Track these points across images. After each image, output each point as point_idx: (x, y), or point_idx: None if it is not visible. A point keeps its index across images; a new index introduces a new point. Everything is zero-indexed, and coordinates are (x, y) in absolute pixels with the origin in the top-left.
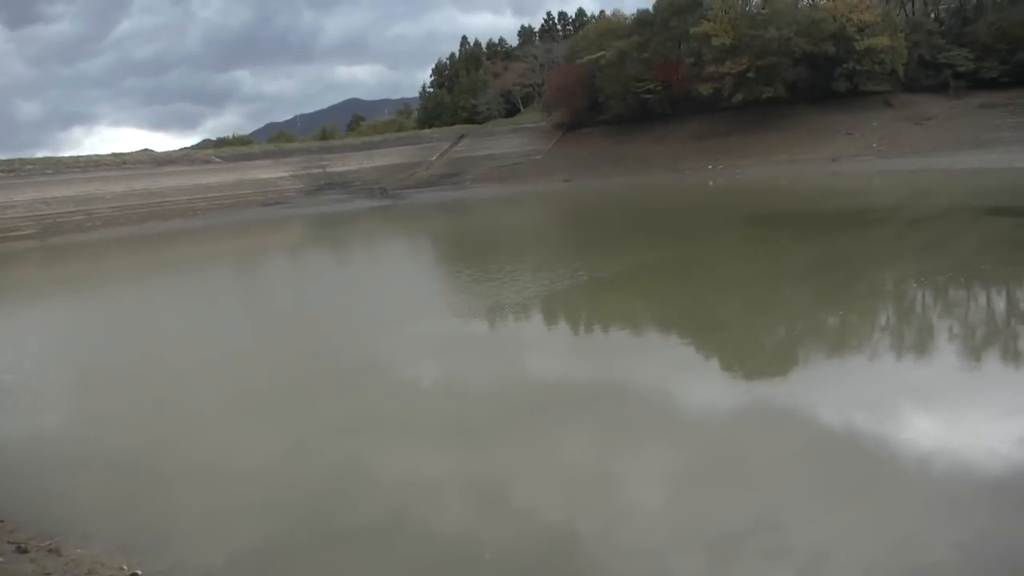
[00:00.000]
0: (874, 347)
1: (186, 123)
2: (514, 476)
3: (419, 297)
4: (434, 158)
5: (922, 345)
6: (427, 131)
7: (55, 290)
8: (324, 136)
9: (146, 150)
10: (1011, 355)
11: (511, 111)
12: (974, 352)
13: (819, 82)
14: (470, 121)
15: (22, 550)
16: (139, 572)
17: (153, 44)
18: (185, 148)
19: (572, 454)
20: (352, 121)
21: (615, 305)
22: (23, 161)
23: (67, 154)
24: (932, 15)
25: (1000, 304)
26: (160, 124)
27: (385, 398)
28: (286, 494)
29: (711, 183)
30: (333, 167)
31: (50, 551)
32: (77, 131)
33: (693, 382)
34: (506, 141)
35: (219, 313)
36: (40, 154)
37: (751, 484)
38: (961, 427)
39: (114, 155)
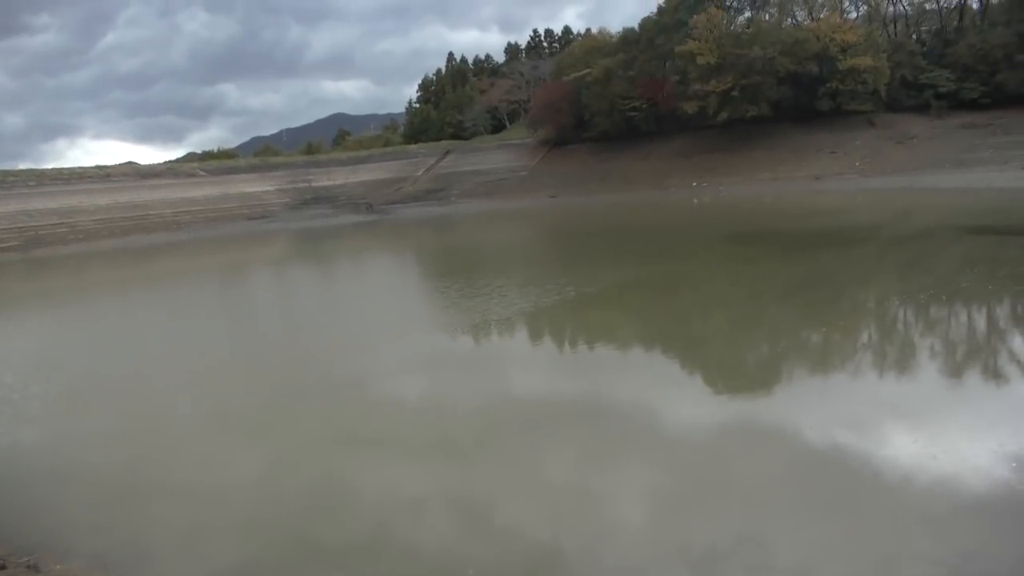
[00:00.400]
0: (857, 364)
1: (171, 136)
2: (498, 493)
3: (405, 313)
4: (420, 173)
5: (904, 362)
6: (413, 146)
7: (37, 304)
8: (310, 150)
9: (130, 163)
10: (992, 372)
11: (497, 127)
12: (956, 369)
13: (803, 101)
14: (456, 137)
15: (1, 566)
16: None
17: (138, 57)
18: (170, 161)
19: (557, 471)
20: (338, 136)
21: (601, 322)
22: (5, 173)
23: (50, 166)
24: (914, 36)
25: (981, 322)
26: (145, 137)
27: (370, 414)
28: (269, 510)
29: (696, 200)
30: (319, 181)
31: (29, 567)
32: (61, 143)
33: (678, 399)
34: (492, 157)
35: (203, 328)
36: (23, 166)
37: (735, 501)
38: (943, 444)
39: (98, 167)
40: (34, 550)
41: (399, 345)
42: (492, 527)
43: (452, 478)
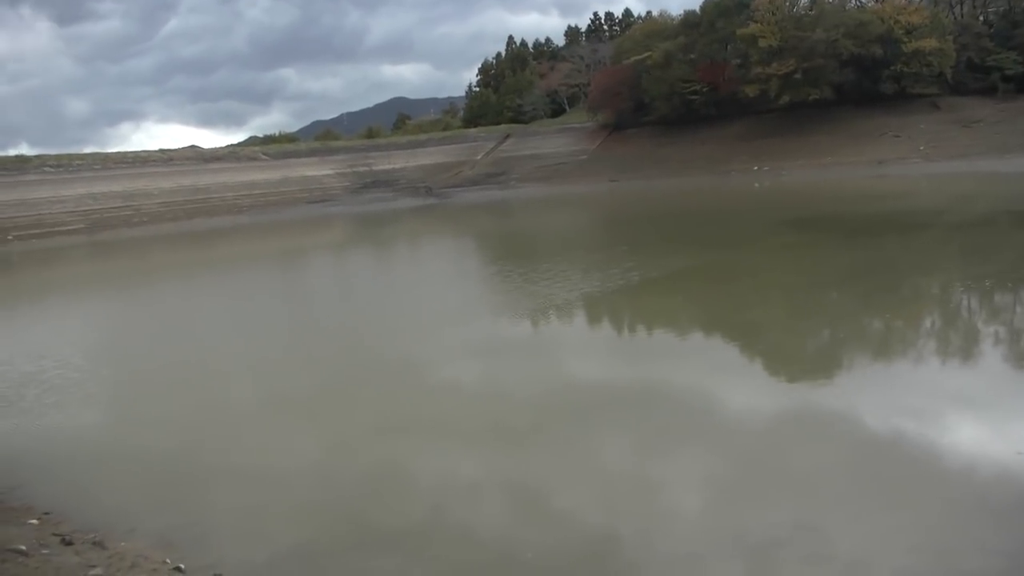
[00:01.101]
0: (919, 352)
1: (232, 121)
2: (555, 479)
3: (465, 298)
4: (479, 157)
5: (967, 351)
6: (472, 130)
7: (103, 287)
8: (370, 134)
9: (193, 147)
10: None
11: (556, 111)
12: (1020, 358)
13: (866, 84)
14: (515, 121)
15: (67, 542)
16: (182, 566)
17: (200, 43)
18: (231, 145)
19: (614, 457)
20: (398, 120)
21: (660, 308)
22: (71, 156)
23: (114, 150)
24: (981, 18)
25: None
26: (207, 121)
27: (427, 399)
28: (325, 494)
29: (756, 184)
30: (378, 165)
31: (95, 544)
32: (124, 127)
33: (736, 386)
34: (551, 141)
35: (263, 313)
36: (88, 150)
37: (792, 489)
38: (1007, 434)
39: (161, 151)
40: (99, 527)
41: (458, 330)
42: (548, 512)
43: (508, 463)
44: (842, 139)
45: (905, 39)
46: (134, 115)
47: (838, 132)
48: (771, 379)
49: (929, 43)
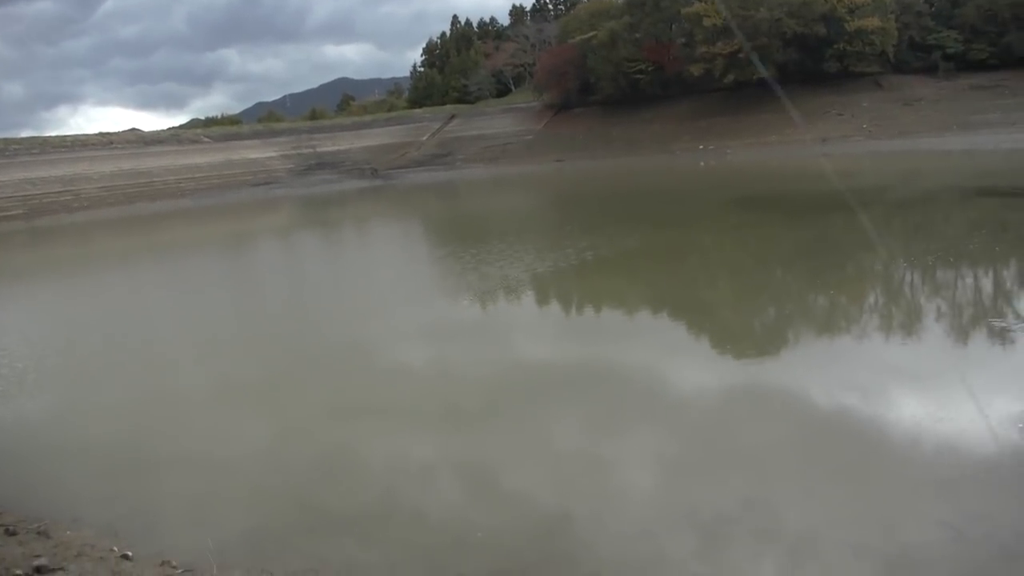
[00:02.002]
0: (863, 329)
1: (173, 103)
2: (506, 460)
3: (413, 281)
4: (425, 138)
5: (911, 326)
6: (418, 111)
7: (43, 275)
8: (314, 116)
9: (133, 130)
10: (1000, 335)
11: (502, 91)
12: (963, 332)
13: (809, 63)
14: (461, 101)
15: (10, 532)
16: (129, 554)
17: (138, 23)
18: (173, 128)
19: (565, 437)
20: (342, 101)
21: (607, 288)
22: (7, 141)
23: (52, 134)
24: None
25: (988, 284)
26: (147, 104)
27: (378, 383)
28: (277, 479)
29: (702, 164)
30: (323, 147)
31: (39, 534)
32: (62, 111)
33: (685, 365)
34: (497, 122)
35: (209, 299)
36: (25, 134)
37: (742, 466)
38: (950, 408)
39: (101, 135)
40: (43, 517)
41: (409, 313)
42: (500, 493)
43: (460, 445)
44: (787, 118)
45: (848, 18)
46: (71, 98)
47: (782, 111)
48: (720, 357)
49: (872, 22)
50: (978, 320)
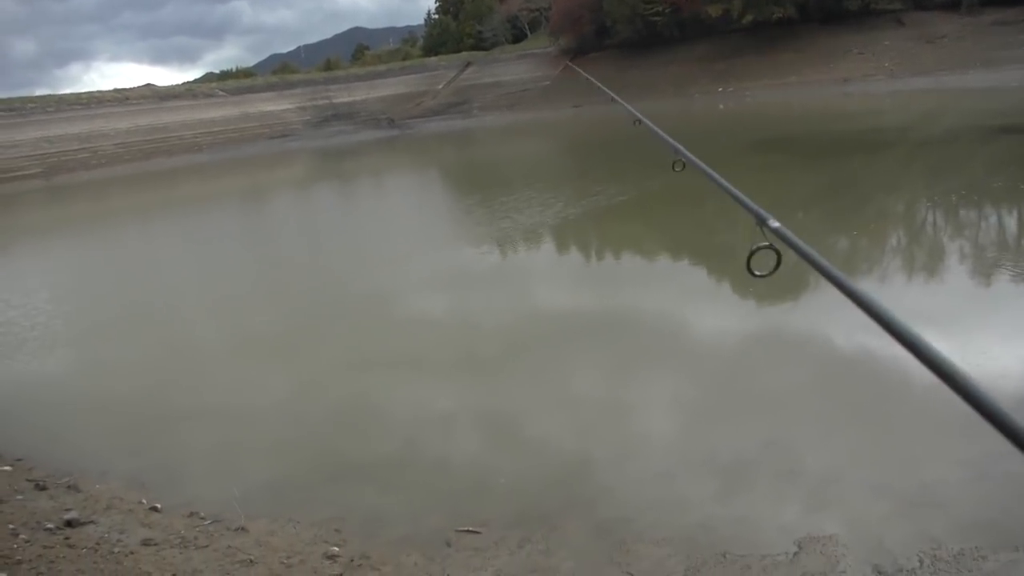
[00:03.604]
0: (885, 270)
1: (186, 57)
2: (526, 407)
3: (432, 230)
4: (440, 87)
5: (934, 267)
6: (432, 59)
7: (63, 232)
8: (328, 67)
9: (148, 85)
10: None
11: (518, 37)
12: (986, 273)
13: (830, 1)
14: (476, 48)
15: (41, 487)
16: (158, 505)
17: None
18: (188, 83)
19: (584, 384)
20: (356, 51)
21: (630, 234)
22: (23, 99)
23: (67, 91)
24: None
25: (1012, 223)
26: (159, 58)
27: (397, 333)
28: (299, 430)
29: (721, 106)
30: (338, 98)
31: (69, 488)
32: (75, 68)
33: (704, 310)
34: (513, 68)
35: (228, 252)
36: (39, 92)
37: (762, 409)
38: (973, 348)
39: (116, 91)
40: (72, 472)
41: (427, 263)
42: (521, 440)
43: (480, 393)
44: (807, 58)
45: None
46: (83, 54)
47: (803, 51)
48: (740, 301)
49: None
50: (1002, 260)
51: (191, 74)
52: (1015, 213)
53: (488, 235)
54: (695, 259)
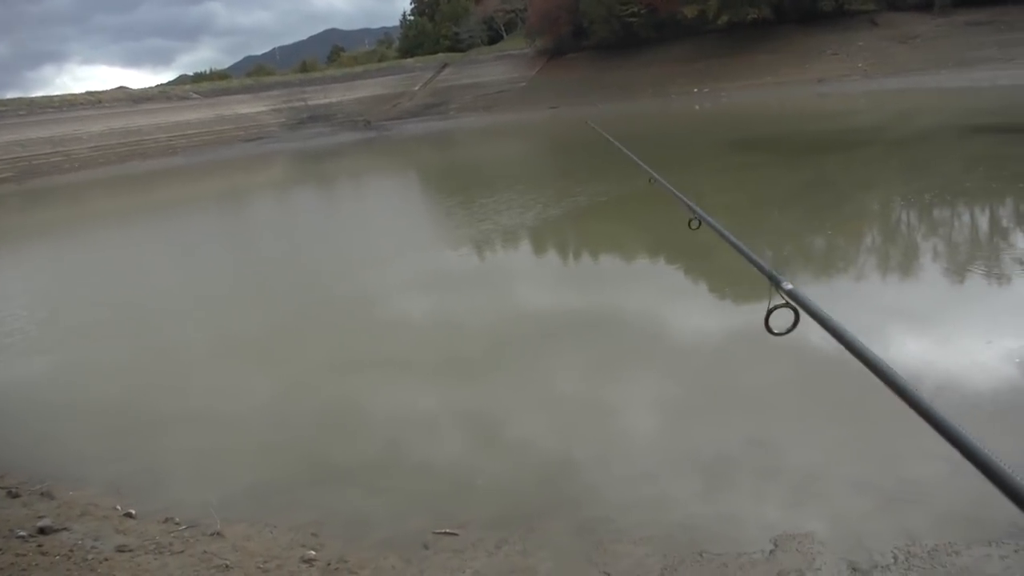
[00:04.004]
0: (861, 268)
1: (160, 59)
2: (509, 407)
3: (411, 232)
4: (417, 88)
5: (909, 264)
6: (409, 61)
7: (38, 237)
8: (304, 69)
9: (122, 88)
10: (998, 272)
11: (494, 38)
12: (961, 270)
13: (805, 2)
14: (453, 50)
15: (14, 495)
16: (133, 512)
17: None
18: (162, 85)
19: (567, 384)
20: (332, 52)
21: (605, 233)
22: None
23: (39, 94)
24: None
25: (985, 221)
26: (133, 61)
27: (379, 335)
28: (280, 434)
29: (697, 107)
30: (315, 100)
31: (42, 495)
32: (47, 70)
33: (684, 309)
34: (490, 69)
35: (207, 256)
36: (10, 95)
37: (744, 407)
38: (949, 345)
39: (89, 94)
40: (45, 478)
41: (408, 264)
42: (504, 440)
43: (463, 395)
44: (782, 59)
45: None
46: (56, 57)
47: (778, 52)
48: (720, 300)
49: None
50: (975, 257)
51: (165, 76)
52: (987, 211)
53: (469, 237)
54: (673, 257)
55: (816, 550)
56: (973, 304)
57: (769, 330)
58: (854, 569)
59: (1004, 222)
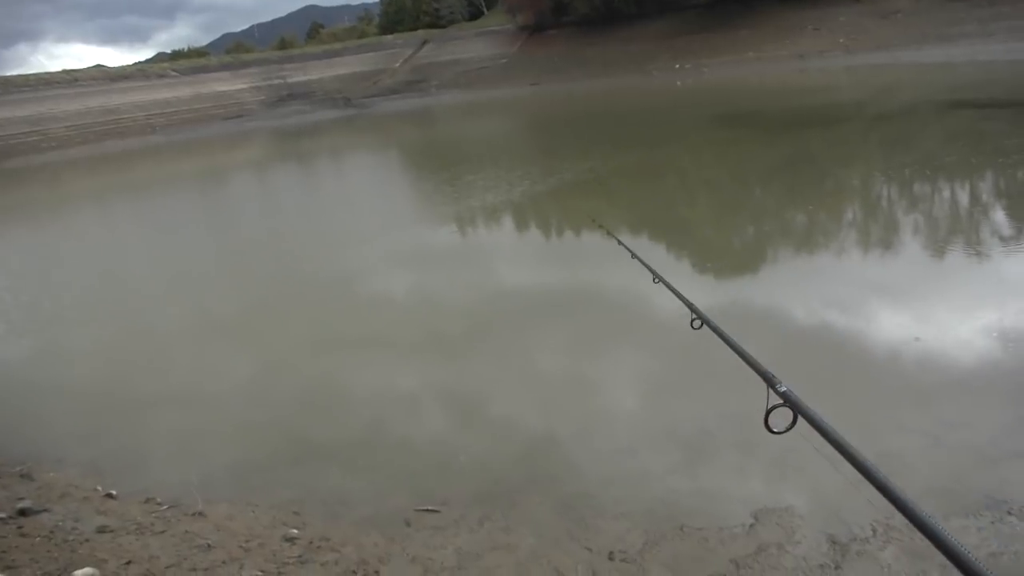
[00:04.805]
0: (841, 244)
1: (136, 37)
2: (490, 385)
3: (392, 210)
4: (397, 65)
5: (889, 240)
6: (389, 37)
7: (15, 217)
8: (283, 46)
9: (98, 66)
10: (977, 247)
11: (475, 14)
12: (941, 245)
13: None
14: (433, 26)
15: None
16: (114, 492)
17: None
18: (139, 63)
19: (548, 362)
20: (311, 29)
21: (591, 209)
22: None
23: (14, 72)
24: None
25: (965, 196)
26: (109, 39)
27: (360, 313)
28: (261, 413)
29: (679, 83)
30: (294, 77)
31: (22, 476)
32: (22, 48)
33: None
34: (471, 45)
35: (187, 235)
36: None
37: (721, 383)
38: (928, 321)
39: (65, 72)
40: (25, 460)
41: (388, 242)
42: (485, 418)
43: (444, 372)
44: (763, 34)
45: None
46: (30, 35)
47: (759, 27)
48: (700, 275)
49: None
50: (955, 233)
51: (142, 54)
52: (967, 186)
53: (455, 214)
54: (654, 233)
55: (796, 524)
56: (951, 279)
57: (769, 429)
58: (833, 542)
59: (984, 197)
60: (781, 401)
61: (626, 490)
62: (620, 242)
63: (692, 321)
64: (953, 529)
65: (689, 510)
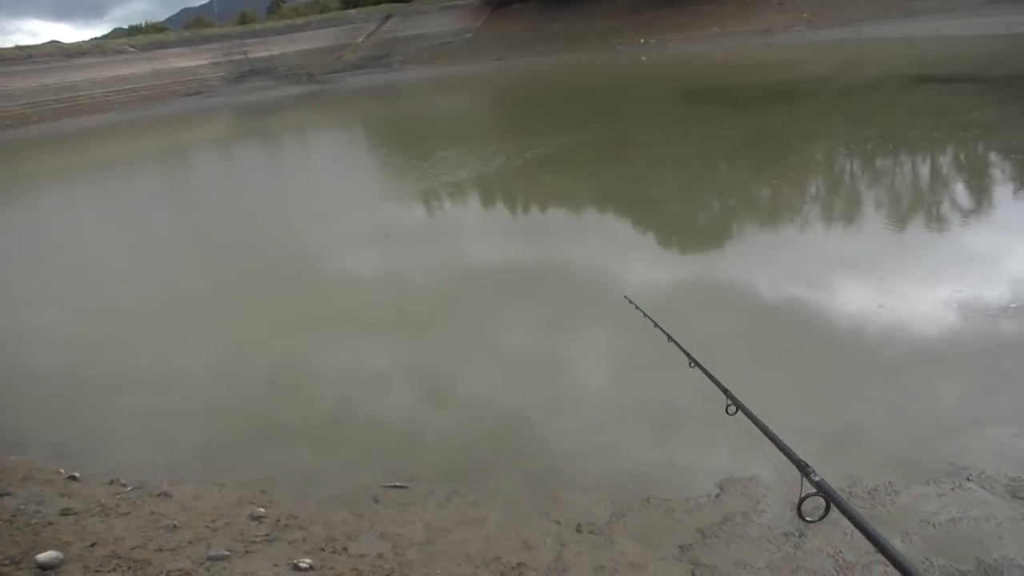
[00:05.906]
0: (806, 218)
1: (92, 11)
2: (458, 363)
3: (361, 188)
4: (361, 40)
5: (853, 214)
6: (352, 12)
7: None
8: (244, 20)
9: (54, 42)
10: (939, 221)
11: None
12: (904, 219)
13: None
14: (396, 0)
15: None
16: (77, 475)
17: None
18: (96, 39)
19: (516, 338)
20: (272, 3)
21: (553, 186)
22: None
23: None
24: None
25: (927, 170)
26: (63, 14)
27: (327, 292)
28: (227, 394)
29: (644, 58)
30: (255, 52)
31: None
32: None
33: (632, 261)
34: (435, 20)
35: (148, 215)
36: None
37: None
38: (891, 294)
39: (18, 48)
40: None
41: (354, 221)
42: (453, 395)
43: (412, 351)
44: (728, 9)
45: None
46: None
47: (723, 2)
48: (667, 251)
49: None
50: (918, 207)
51: (98, 30)
52: (928, 160)
53: (412, 192)
54: (621, 210)
55: (760, 493)
56: (916, 254)
57: (802, 517)
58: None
59: (946, 171)
60: (814, 491)
61: (594, 464)
62: (656, 324)
63: (727, 407)
64: (914, 496)
65: (656, 482)
